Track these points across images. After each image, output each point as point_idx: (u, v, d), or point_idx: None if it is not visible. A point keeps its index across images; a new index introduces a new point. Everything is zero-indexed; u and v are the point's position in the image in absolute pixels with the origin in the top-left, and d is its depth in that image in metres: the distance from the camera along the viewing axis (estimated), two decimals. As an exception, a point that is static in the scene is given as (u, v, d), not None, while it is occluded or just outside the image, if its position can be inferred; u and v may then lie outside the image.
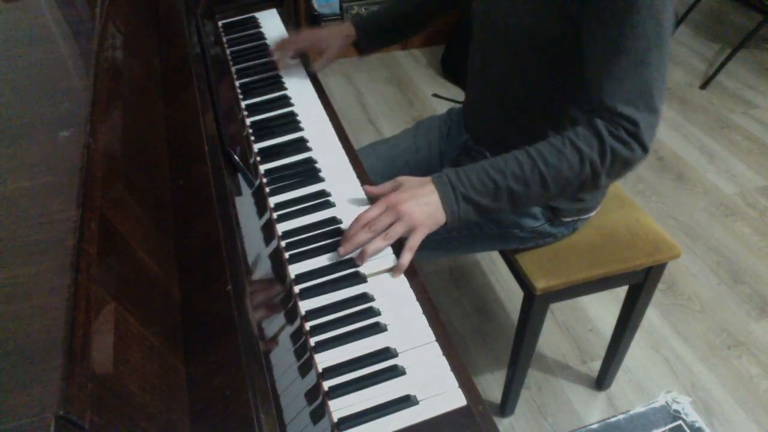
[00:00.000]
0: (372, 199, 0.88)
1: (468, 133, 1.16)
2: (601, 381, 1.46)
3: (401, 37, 1.27)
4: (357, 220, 0.78)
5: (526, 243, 1.10)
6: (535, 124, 1.01)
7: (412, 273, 0.77)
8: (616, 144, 0.80)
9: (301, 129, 1.02)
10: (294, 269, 0.78)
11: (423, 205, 0.79)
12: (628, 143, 0.80)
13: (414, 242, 0.77)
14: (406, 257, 0.76)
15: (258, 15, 1.36)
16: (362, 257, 0.76)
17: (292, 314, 0.72)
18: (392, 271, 0.77)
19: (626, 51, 0.78)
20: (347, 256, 0.78)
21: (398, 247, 0.79)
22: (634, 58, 0.78)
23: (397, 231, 0.77)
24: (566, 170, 0.81)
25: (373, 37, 1.20)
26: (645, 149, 0.81)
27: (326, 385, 0.65)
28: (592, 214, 1.13)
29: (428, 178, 0.82)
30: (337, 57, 1.18)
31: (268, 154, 0.97)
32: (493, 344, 1.59)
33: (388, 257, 0.78)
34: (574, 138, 0.81)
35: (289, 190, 0.90)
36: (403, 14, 1.20)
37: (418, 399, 0.63)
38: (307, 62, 1.21)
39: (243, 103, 1.09)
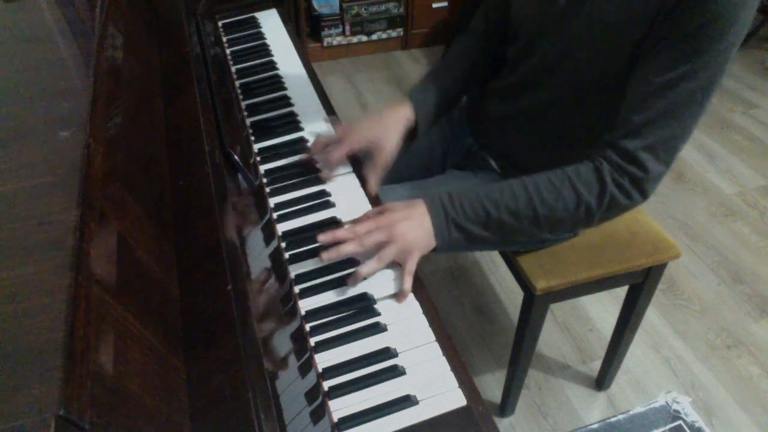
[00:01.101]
0: (373, 203, 0.88)
1: (472, 137, 1.15)
2: (601, 381, 1.46)
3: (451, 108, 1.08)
4: (346, 229, 0.77)
5: (527, 246, 1.10)
6: (552, 146, 0.98)
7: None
8: (617, 192, 0.78)
9: (301, 129, 1.02)
10: (294, 269, 0.78)
11: (416, 228, 0.77)
12: (630, 193, 0.79)
13: (412, 266, 0.75)
14: (408, 282, 0.74)
15: (258, 15, 1.36)
16: (355, 278, 0.74)
17: (292, 314, 0.72)
18: (396, 297, 0.74)
19: (670, 98, 0.74)
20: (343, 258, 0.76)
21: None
22: (675, 108, 0.75)
23: (390, 253, 0.75)
24: (560, 210, 0.79)
25: (431, 120, 1.02)
26: (645, 198, 0.80)
27: (326, 385, 0.65)
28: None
29: (420, 201, 0.80)
30: (392, 158, 0.93)
31: (268, 154, 0.97)
32: (493, 344, 1.59)
33: (389, 283, 0.76)
34: (575, 178, 0.79)
35: (289, 191, 0.90)
36: (455, 83, 1.05)
37: (418, 399, 0.63)
38: (305, 60, 1.21)
39: (243, 103, 1.09)
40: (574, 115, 0.93)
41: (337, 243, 0.76)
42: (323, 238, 0.76)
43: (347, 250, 0.75)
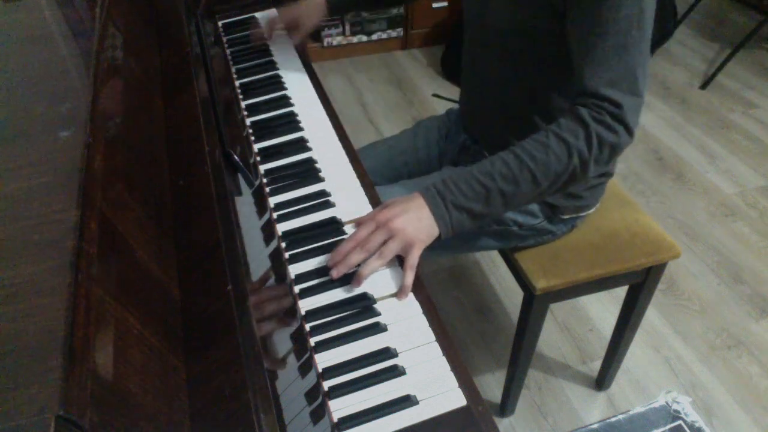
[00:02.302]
0: (373, 202, 0.88)
1: (466, 133, 1.16)
2: (601, 381, 1.46)
3: (369, 7, 1.36)
4: (348, 240, 0.76)
5: (526, 240, 1.10)
6: (531, 122, 1.01)
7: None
8: (601, 129, 0.80)
9: (301, 129, 1.02)
10: (294, 269, 0.78)
11: (415, 219, 0.77)
12: (613, 127, 0.80)
13: (413, 260, 0.75)
14: (409, 277, 0.74)
15: (258, 15, 1.36)
16: (358, 280, 0.74)
17: (292, 314, 0.72)
18: (397, 294, 0.74)
19: (607, 35, 0.78)
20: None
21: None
22: (615, 42, 0.78)
23: (391, 249, 0.75)
24: (554, 163, 0.80)
25: (342, 7, 1.27)
26: (630, 132, 0.81)
27: (326, 385, 0.65)
28: (591, 211, 1.13)
29: (416, 193, 0.80)
30: (312, 29, 1.26)
31: (268, 154, 0.97)
32: (493, 344, 1.59)
33: (389, 281, 0.76)
34: (558, 130, 0.81)
35: (289, 190, 0.90)
36: None
37: (418, 399, 0.63)
38: (305, 60, 1.22)
39: (243, 103, 1.09)
40: (526, 77, 0.98)
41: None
42: (336, 273, 0.75)
43: (354, 260, 0.74)
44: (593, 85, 0.80)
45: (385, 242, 0.75)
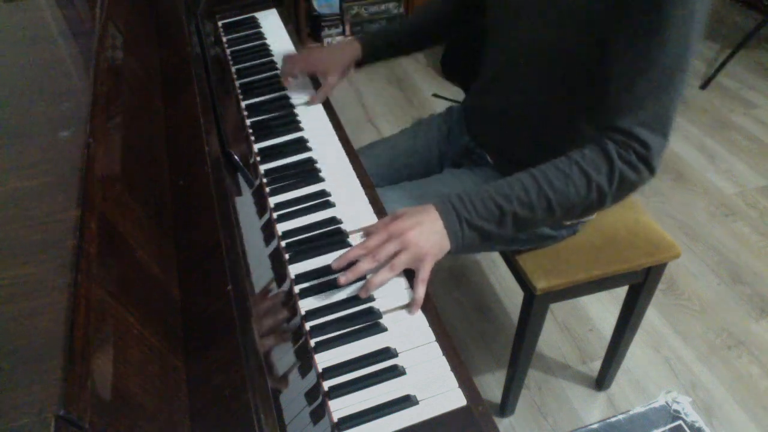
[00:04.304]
0: (373, 202, 0.88)
1: (469, 135, 1.16)
2: (601, 381, 1.46)
3: (402, 55, 1.24)
4: (358, 246, 0.75)
5: (527, 245, 1.10)
6: (546, 138, 0.99)
7: (412, 273, 0.77)
8: (626, 168, 0.79)
9: (301, 129, 1.02)
10: (294, 269, 0.78)
11: (428, 233, 0.76)
12: (638, 167, 0.79)
13: (425, 274, 0.74)
14: (420, 291, 0.73)
15: (258, 15, 1.36)
16: (367, 289, 0.73)
17: (292, 314, 0.72)
18: (408, 307, 0.73)
19: (651, 73, 0.76)
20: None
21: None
22: (658, 81, 0.77)
23: (403, 261, 0.74)
24: (573, 195, 0.79)
25: (376, 56, 1.17)
26: (653, 173, 0.80)
27: (326, 385, 0.65)
28: (593, 216, 1.12)
29: (431, 205, 0.79)
30: (341, 81, 1.13)
31: (268, 154, 0.97)
32: (493, 344, 1.59)
33: (401, 293, 0.75)
34: (581, 161, 0.79)
35: (289, 190, 0.90)
36: (411, 34, 1.18)
37: (418, 399, 0.63)
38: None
39: (243, 103, 1.09)
40: (554, 99, 0.95)
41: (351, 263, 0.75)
42: (337, 264, 0.75)
43: (363, 268, 0.73)
44: (627, 123, 0.78)
45: (396, 254, 0.74)
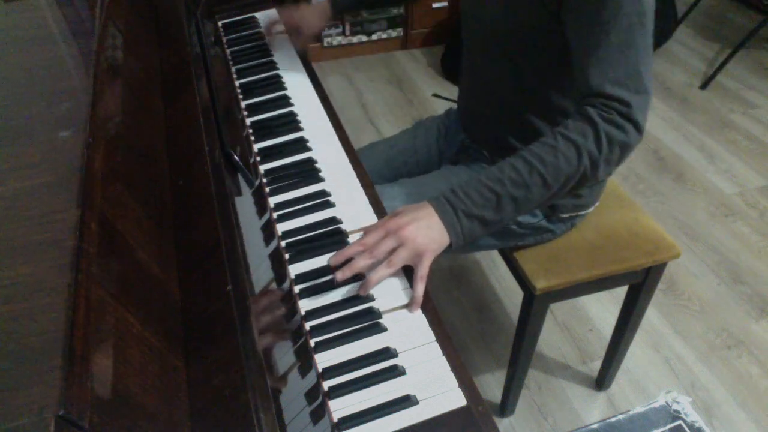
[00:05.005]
0: (373, 202, 0.88)
1: (465, 133, 1.16)
2: (601, 381, 1.46)
3: (371, 6, 1.37)
4: (356, 243, 0.75)
5: (525, 239, 1.10)
6: (530, 121, 1.01)
7: (411, 273, 0.77)
8: (610, 128, 0.78)
9: (301, 129, 1.02)
10: (294, 269, 0.78)
11: (425, 228, 0.76)
12: (622, 126, 0.78)
13: (424, 271, 0.74)
14: (420, 288, 0.73)
15: (258, 15, 1.36)
16: (366, 286, 0.73)
17: (292, 314, 0.72)
18: (408, 306, 0.73)
19: (609, 34, 0.77)
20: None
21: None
22: (618, 40, 0.77)
23: (401, 257, 0.74)
24: (564, 165, 0.79)
25: (344, 8, 1.29)
26: (639, 130, 0.80)
27: (326, 385, 0.65)
28: (591, 210, 1.13)
29: (425, 202, 0.79)
30: (316, 33, 1.30)
31: (268, 154, 0.97)
32: (493, 344, 1.59)
33: (399, 293, 0.75)
34: (566, 132, 0.79)
35: (289, 190, 0.90)
36: None
37: (418, 399, 0.63)
38: (305, 60, 1.22)
39: (243, 103, 1.09)
40: (525, 83, 0.98)
41: (348, 260, 0.75)
42: (334, 261, 0.75)
43: (360, 265, 0.73)
44: (599, 85, 0.79)
45: (394, 250, 0.74)
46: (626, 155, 0.82)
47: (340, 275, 0.73)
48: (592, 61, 0.80)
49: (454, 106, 1.27)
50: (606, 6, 0.77)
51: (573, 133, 0.79)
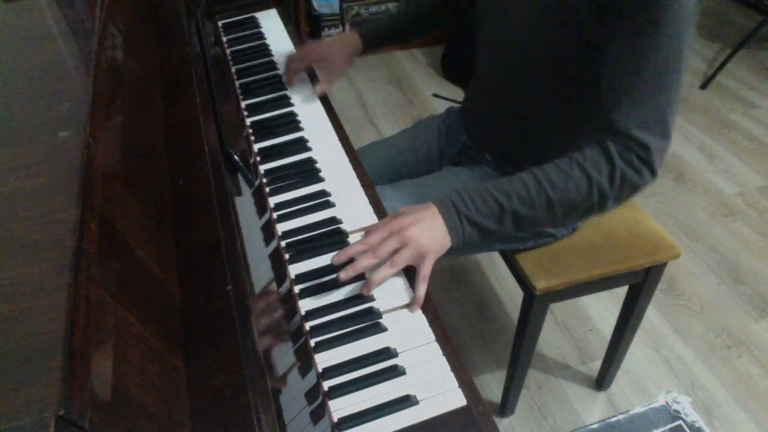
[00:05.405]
0: (373, 202, 0.88)
1: (467, 135, 1.16)
2: (601, 381, 1.46)
3: (401, 42, 1.28)
4: (359, 243, 0.75)
5: (526, 243, 1.10)
6: (543, 135, 0.99)
7: (412, 273, 0.77)
8: (627, 169, 0.78)
9: (301, 129, 1.02)
10: (294, 269, 0.78)
11: (429, 229, 0.76)
12: (639, 169, 0.78)
13: (426, 271, 0.74)
14: (422, 289, 0.73)
15: (258, 15, 1.36)
16: (369, 286, 0.73)
17: (292, 314, 0.72)
18: (409, 306, 0.73)
19: (645, 75, 0.76)
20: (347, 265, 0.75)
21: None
22: (652, 83, 0.76)
23: (404, 258, 0.74)
24: (574, 194, 0.79)
25: (375, 45, 1.22)
26: (654, 174, 0.80)
27: (326, 385, 0.65)
28: (594, 216, 1.12)
29: (430, 203, 0.79)
30: (344, 72, 1.16)
31: (268, 154, 0.97)
32: (493, 344, 1.59)
33: (399, 293, 0.75)
34: (583, 161, 0.79)
35: (289, 190, 0.90)
36: (407, 22, 1.22)
37: (418, 399, 0.63)
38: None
39: (243, 103, 1.09)
40: (546, 99, 0.95)
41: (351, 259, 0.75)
42: (337, 260, 0.75)
43: (363, 264, 0.73)
44: (624, 126, 0.78)
45: (397, 250, 0.74)
46: (634, 195, 0.82)
47: (343, 275, 0.73)
48: (623, 100, 0.78)
49: (454, 105, 1.27)
50: (644, 46, 0.75)
51: (589, 164, 0.79)
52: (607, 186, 0.79)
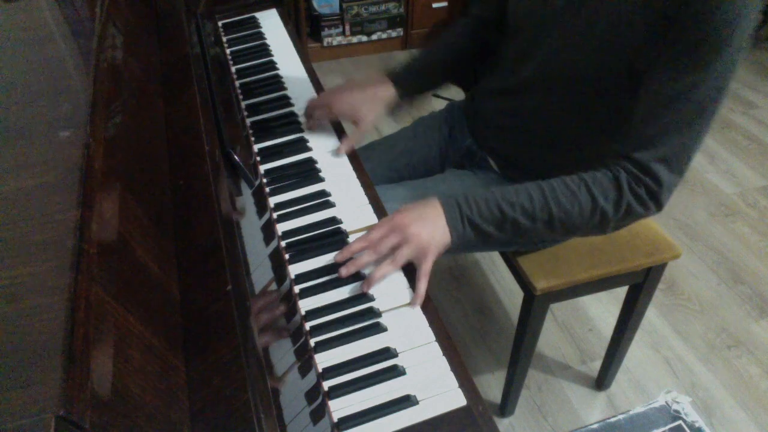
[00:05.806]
0: (373, 202, 0.88)
1: (472, 137, 1.15)
2: (601, 381, 1.46)
3: (432, 92, 1.14)
4: (359, 239, 0.75)
5: (526, 246, 1.10)
6: (554, 149, 0.99)
7: (412, 273, 0.77)
8: (634, 201, 0.78)
9: (301, 129, 1.02)
10: (294, 269, 0.78)
11: (430, 226, 0.76)
12: (646, 203, 0.78)
13: (427, 268, 0.74)
14: (422, 286, 0.73)
15: (258, 15, 1.36)
16: (369, 283, 0.73)
17: (292, 314, 0.72)
18: (410, 304, 0.73)
19: (681, 106, 0.75)
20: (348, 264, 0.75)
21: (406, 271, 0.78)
22: (683, 119, 0.75)
23: (405, 255, 0.74)
24: (576, 214, 0.79)
25: (412, 96, 1.08)
26: (660, 208, 0.80)
27: (326, 385, 0.65)
28: None
29: (434, 200, 0.80)
30: (374, 124, 1.01)
31: (268, 154, 0.97)
32: (493, 344, 1.59)
33: (402, 291, 0.75)
34: (591, 184, 0.79)
35: (289, 190, 0.90)
36: (441, 65, 1.11)
37: (418, 399, 0.63)
38: (306, 61, 1.21)
39: (243, 103, 1.09)
40: (573, 119, 0.93)
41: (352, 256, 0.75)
42: (339, 257, 0.75)
43: (364, 261, 0.74)
44: (644, 156, 0.77)
45: (398, 247, 0.74)
46: (635, 222, 0.82)
47: (344, 271, 0.74)
48: (650, 130, 0.77)
49: (455, 102, 1.26)
50: (685, 80, 0.73)
51: (596, 188, 0.78)
52: (611, 213, 0.79)
